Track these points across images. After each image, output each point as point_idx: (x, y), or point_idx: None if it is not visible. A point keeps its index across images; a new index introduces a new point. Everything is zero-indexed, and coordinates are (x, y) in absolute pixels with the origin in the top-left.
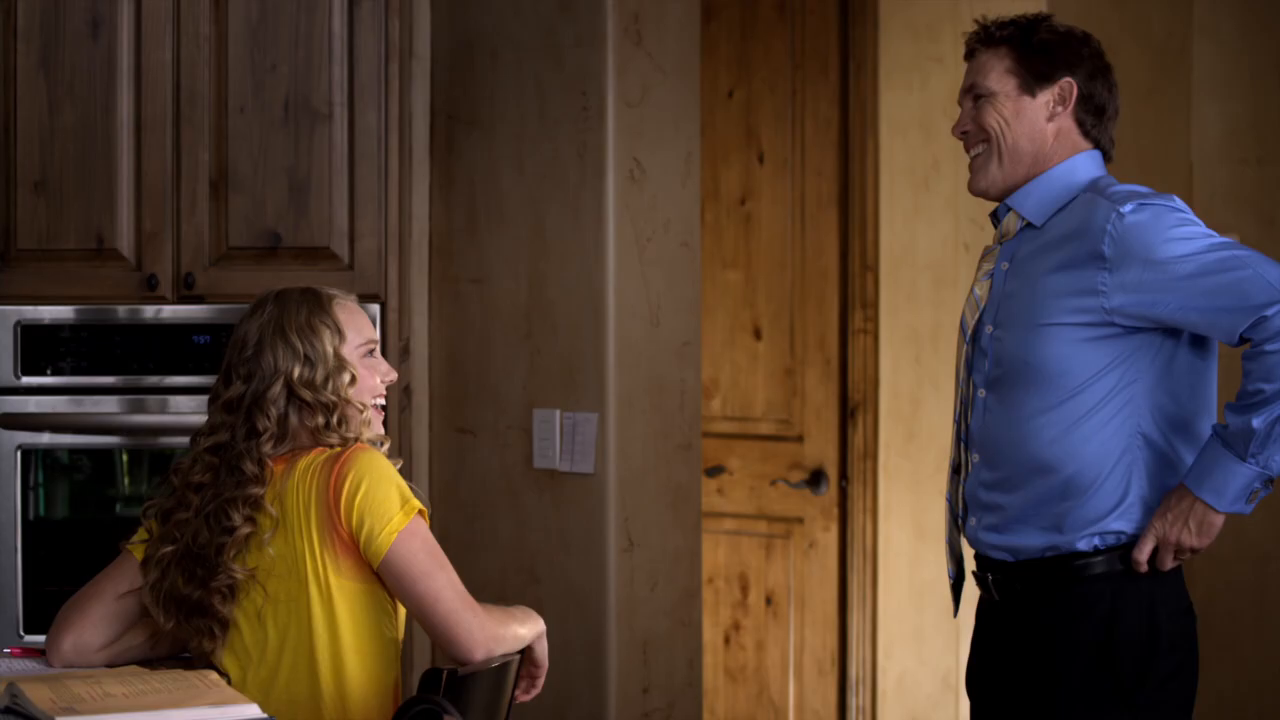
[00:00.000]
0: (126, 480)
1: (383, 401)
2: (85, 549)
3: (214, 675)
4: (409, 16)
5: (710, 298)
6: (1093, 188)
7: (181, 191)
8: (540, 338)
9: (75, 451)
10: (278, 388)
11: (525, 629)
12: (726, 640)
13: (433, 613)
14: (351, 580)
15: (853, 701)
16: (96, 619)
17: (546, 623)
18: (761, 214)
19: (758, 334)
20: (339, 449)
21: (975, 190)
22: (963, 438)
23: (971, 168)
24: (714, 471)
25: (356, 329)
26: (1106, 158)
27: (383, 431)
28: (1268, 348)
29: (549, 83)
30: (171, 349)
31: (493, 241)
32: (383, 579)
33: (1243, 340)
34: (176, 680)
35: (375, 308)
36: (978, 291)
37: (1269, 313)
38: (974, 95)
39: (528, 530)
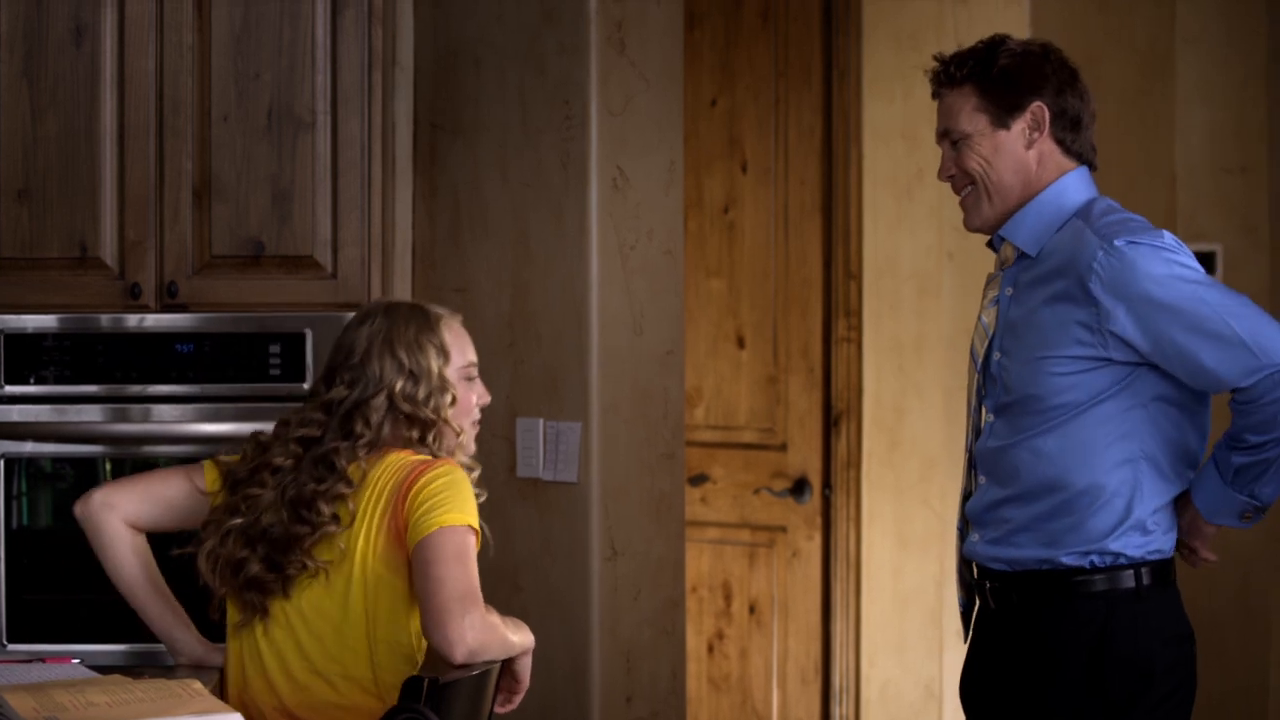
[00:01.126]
0: None
1: (478, 425)
2: (68, 558)
3: (197, 684)
4: (392, 25)
5: (693, 306)
6: (1083, 215)
7: (165, 200)
8: (523, 346)
9: (59, 461)
10: (381, 398)
11: (517, 638)
12: (710, 649)
13: (432, 600)
14: (387, 569)
15: (836, 710)
16: (139, 497)
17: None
18: (745, 222)
19: (741, 342)
20: (432, 458)
21: (971, 229)
22: (972, 463)
23: (963, 207)
24: (697, 480)
25: (460, 350)
26: (1091, 167)
27: (473, 450)
28: (1262, 400)
29: (532, 91)
30: (155, 358)
31: (476, 250)
32: (411, 565)
33: (1234, 393)
34: (160, 689)
35: None
36: (985, 319)
37: (1252, 381)
38: (949, 139)
39: (511, 539)
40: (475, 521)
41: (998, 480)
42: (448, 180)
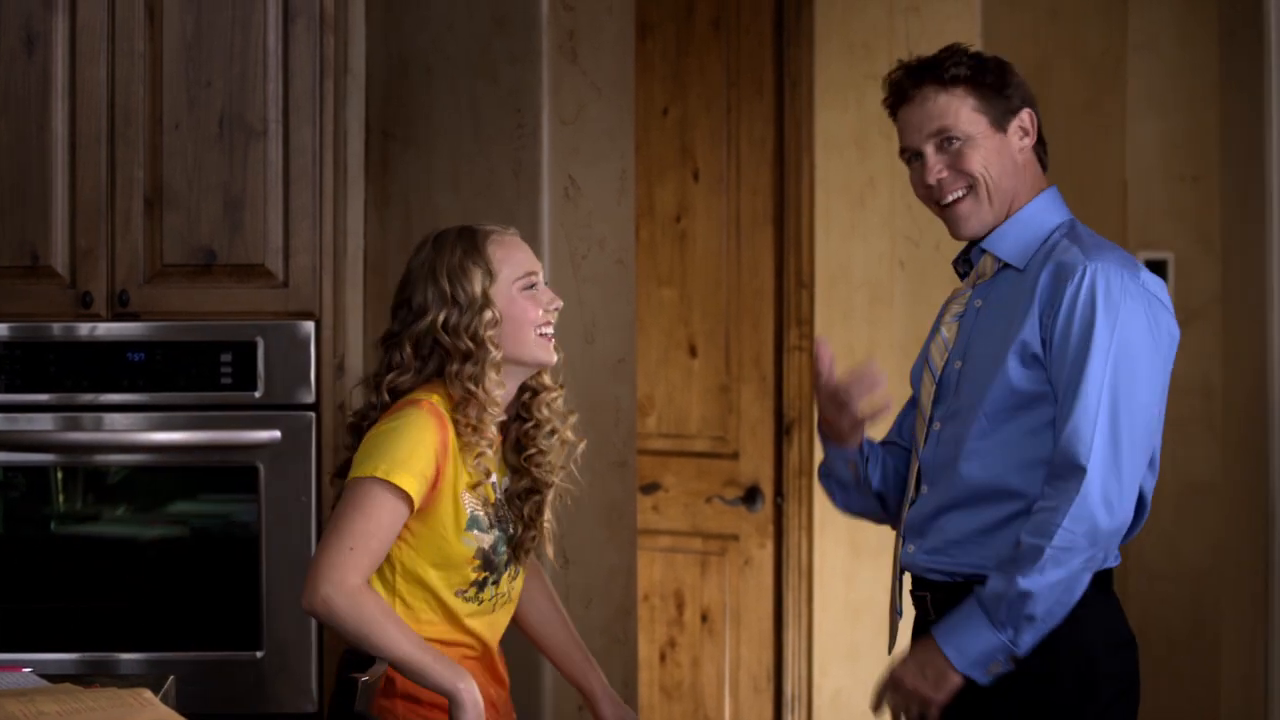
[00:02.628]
0: (61, 498)
1: (550, 330)
2: (19, 567)
3: (147, 693)
4: (344, 33)
5: (645, 315)
6: (1070, 234)
7: (116, 208)
8: None
9: (9, 469)
10: (423, 326)
11: (433, 670)
12: (662, 657)
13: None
14: None
15: (788, 718)
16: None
17: None
18: (697, 231)
19: (693, 351)
20: (403, 406)
21: (965, 236)
22: (919, 473)
23: (955, 213)
24: (649, 489)
25: (512, 263)
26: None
27: (554, 359)
28: (1046, 506)
29: (484, 100)
30: (106, 366)
31: None
32: None
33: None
34: (111, 699)
35: (310, 325)
36: (945, 333)
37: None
38: (943, 139)
39: None
40: (397, 473)
41: (936, 486)
42: (399, 189)
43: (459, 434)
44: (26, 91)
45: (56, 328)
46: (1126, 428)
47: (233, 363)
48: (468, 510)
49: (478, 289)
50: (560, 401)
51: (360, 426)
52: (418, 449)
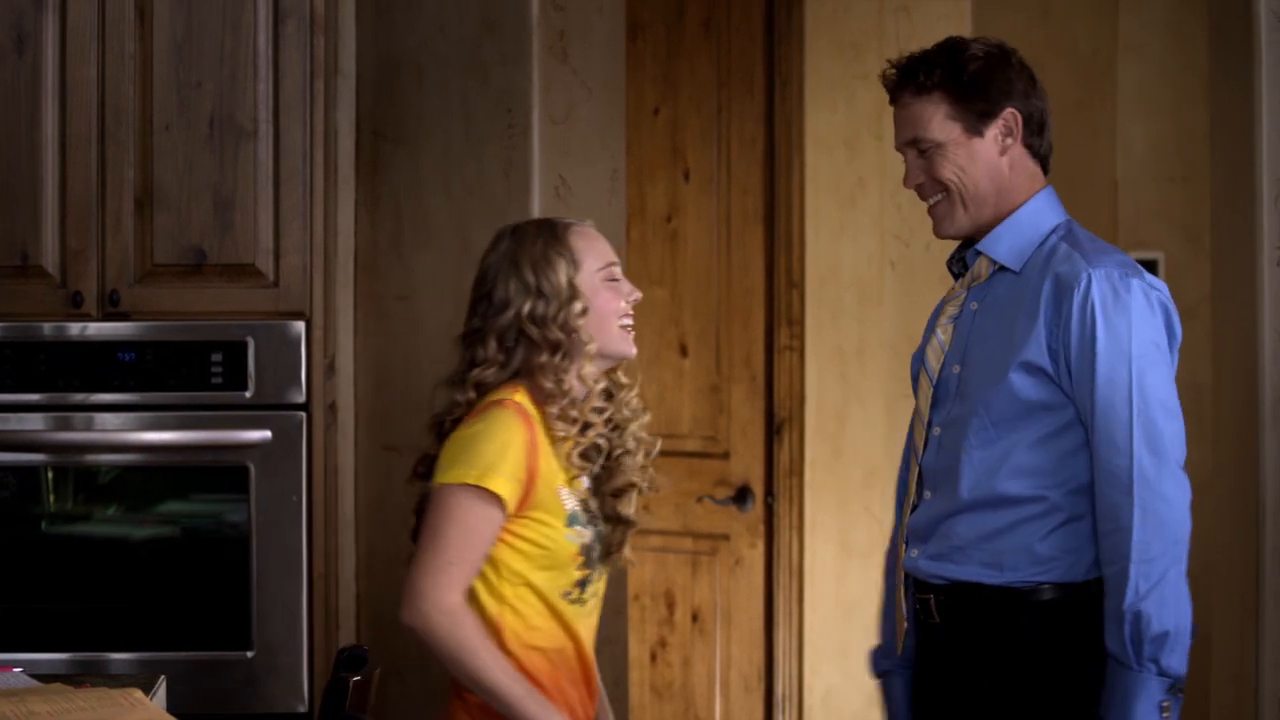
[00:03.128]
0: (52, 498)
1: (630, 321)
2: (10, 567)
3: (138, 693)
4: (334, 34)
5: (636, 315)
6: (1068, 237)
7: (107, 208)
8: None
9: (0, 469)
10: (507, 319)
11: (525, 705)
12: (653, 657)
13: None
14: None
15: (779, 718)
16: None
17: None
18: (687, 231)
19: (684, 351)
20: (485, 407)
21: (943, 236)
22: (919, 477)
23: (933, 215)
24: None
25: (595, 255)
26: (1046, 167)
27: (634, 352)
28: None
29: (475, 100)
30: (97, 366)
31: (419, 258)
32: None
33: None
34: (101, 699)
35: (300, 325)
36: (941, 336)
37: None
38: (917, 148)
39: None
40: (490, 477)
41: (938, 493)
42: (390, 189)
43: (549, 429)
44: (17, 91)
45: (47, 327)
46: (1163, 426)
47: (223, 363)
48: (567, 507)
49: (563, 279)
50: (637, 399)
51: (443, 424)
52: (507, 450)
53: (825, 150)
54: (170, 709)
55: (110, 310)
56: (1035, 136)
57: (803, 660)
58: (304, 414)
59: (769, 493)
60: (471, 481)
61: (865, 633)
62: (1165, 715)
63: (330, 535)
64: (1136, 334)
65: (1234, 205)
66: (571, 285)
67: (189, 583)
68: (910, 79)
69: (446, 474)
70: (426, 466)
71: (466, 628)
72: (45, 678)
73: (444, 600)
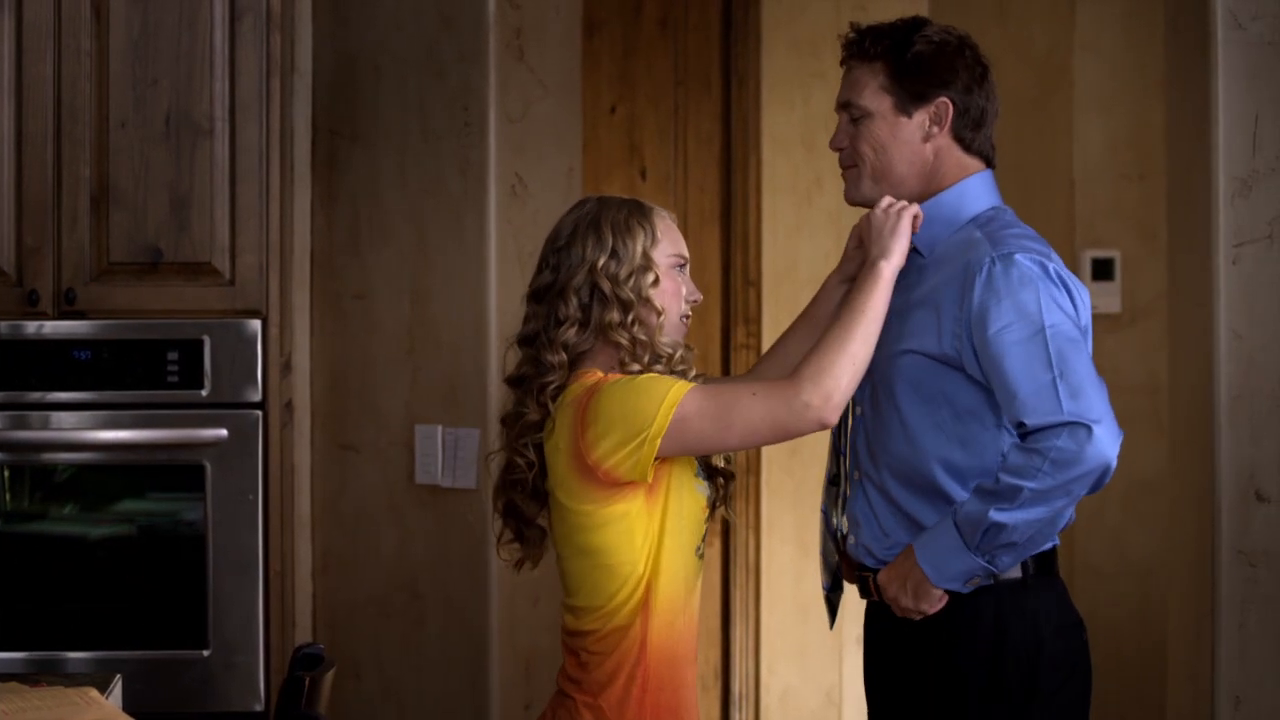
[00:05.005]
0: (8, 497)
1: (689, 319)
2: None
3: (93, 692)
4: (290, 32)
5: None
6: (982, 224)
7: (63, 206)
8: (422, 353)
9: None
10: (581, 276)
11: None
12: None
13: (753, 435)
14: (564, 494)
15: (736, 716)
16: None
17: (427, 638)
18: None
19: None
20: (596, 382)
21: (851, 202)
22: (842, 452)
23: (845, 179)
24: None
25: (672, 241)
26: (990, 165)
27: (682, 341)
28: (1038, 445)
29: (431, 98)
30: (53, 365)
31: (375, 257)
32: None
33: (1018, 427)
34: (57, 698)
35: (256, 324)
36: None
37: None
38: (850, 113)
39: (410, 546)
40: (675, 383)
41: (867, 474)
42: (347, 187)
43: None
44: None
45: (3, 326)
46: (1068, 360)
47: (179, 361)
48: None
49: (640, 248)
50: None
51: (540, 389)
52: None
53: (782, 149)
54: (126, 708)
55: (66, 309)
56: (969, 130)
57: (760, 659)
58: (260, 413)
59: None
60: (678, 389)
61: (822, 632)
62: (972, 583)
63: (286, 534)
64: (1046, 307)
65: (1190, 203)
66: (646, 255)
67: (145, 581)
68: (859, 44)
69: (664, 400)
70: (511, 418)
71: (840, 360)
72: (0, 677)
73: (809, 399)
